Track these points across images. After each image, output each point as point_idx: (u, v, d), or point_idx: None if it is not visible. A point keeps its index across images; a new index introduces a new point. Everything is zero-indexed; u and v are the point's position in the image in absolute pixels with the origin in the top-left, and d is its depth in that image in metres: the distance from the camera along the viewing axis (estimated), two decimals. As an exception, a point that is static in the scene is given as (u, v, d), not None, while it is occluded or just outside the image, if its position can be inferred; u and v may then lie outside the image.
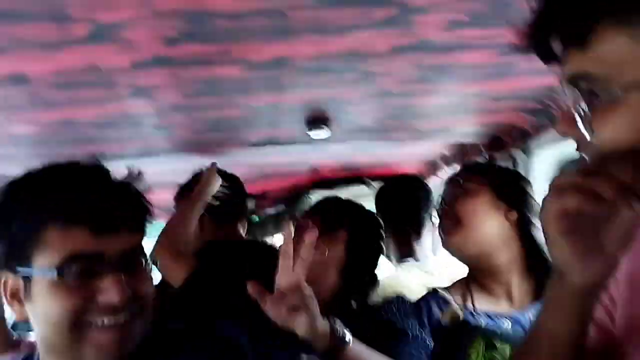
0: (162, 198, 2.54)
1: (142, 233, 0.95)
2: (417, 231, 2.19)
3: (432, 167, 2.54)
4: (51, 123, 1.45)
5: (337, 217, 1.56)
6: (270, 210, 3.07)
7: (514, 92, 1.57)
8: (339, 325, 1.20)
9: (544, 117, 1.67)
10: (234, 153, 2.00)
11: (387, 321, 1.46)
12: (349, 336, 1.20)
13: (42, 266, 0.89)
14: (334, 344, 1.17)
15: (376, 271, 1.59)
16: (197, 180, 1.77)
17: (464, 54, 1.27)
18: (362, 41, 1.16)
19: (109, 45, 1.06)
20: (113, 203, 0.91)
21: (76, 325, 0.88)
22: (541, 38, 0.72)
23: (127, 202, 0.93)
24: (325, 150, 2.26)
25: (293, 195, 2.80)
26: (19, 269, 0.90)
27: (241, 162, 2.28)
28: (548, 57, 0.72)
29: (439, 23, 1.12)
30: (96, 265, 0.88)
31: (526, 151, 1.84)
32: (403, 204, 2.21)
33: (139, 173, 0.98)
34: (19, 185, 0.92)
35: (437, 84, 1.47)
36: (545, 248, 1.48)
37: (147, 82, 1.26)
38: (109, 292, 0.88)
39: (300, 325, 1.12)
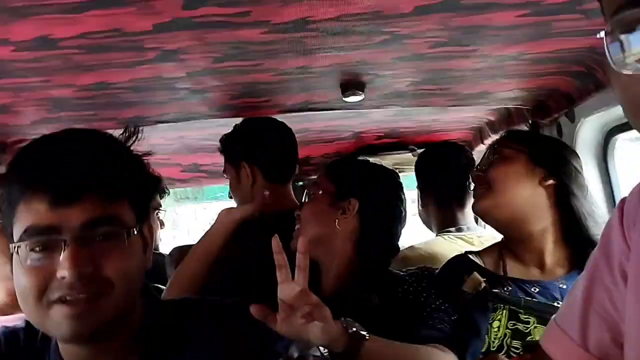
0: (206, 161, 2.60)
1: (118, 201, 0.88)
2: (459, 200, 2.15)
3: (479, 133, 2.48)
4: (87, 87, 1.48)
5: (349, 183, 1.54)
6: (314, 177, 3.07)
7: (555, 55, 1.50)
8: (352, 324, 1.19)
9: (589, 81, 1.59)
10: (273, 117, 2.00)
11: (408, 293, 1.45)
12: (364, 333, 1.19)
13: (13, 242, 0.87)
14: (351, 343, 1.16)
15: (396, 239, 1.57)
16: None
17: (495, 14, 1.21)
18: (383, 1, 1.14)
19: (130, 7, 1.08)
20: (75, 170, 0.85)
21: (38, 301, 0.85)
22: None
23: (97, 168, 0.86)
24: (366, 116, 2.24)
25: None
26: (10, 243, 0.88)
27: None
28: None
29: (463, -20, 1.08)
30: (53, 238, 0.84)
31: (571, 117, 1.77)
32: (444, 172, 2.18)
33: (136, 135, 0.96)
34: (12, 161, 0.90)
35: (471, 47, 1.42)
36: (583, 217, 1.44)
37: (173, 45, 1.27)
38: (62, 268, 0.83)
39: (314, 335, 1.11)
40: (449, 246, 2.01)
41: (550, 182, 1.47)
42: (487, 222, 1.56)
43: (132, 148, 0.96)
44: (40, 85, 1.44)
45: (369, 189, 1.54)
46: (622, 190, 1.76)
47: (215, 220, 1.67)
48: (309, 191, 1.60)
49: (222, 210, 1.69)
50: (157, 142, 2.24)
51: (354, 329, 1.18)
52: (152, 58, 1.33)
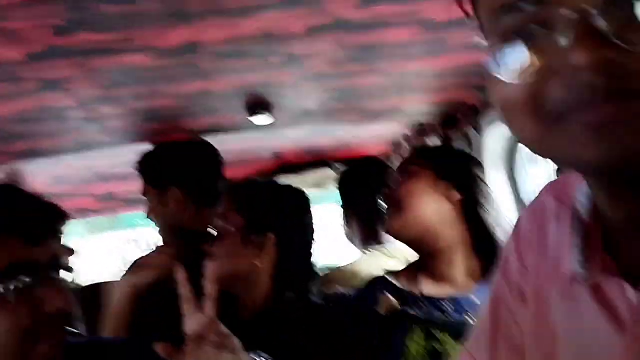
0: (120, 189, 2.51)
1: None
2: (382, 216, 2.14)
3: (396, 147, 2.49)
4: None
5: (261, 215, 1.48)
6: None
7: (455, 69, 1.51)
8: (264, 357, 1.15)
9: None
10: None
11: (326, 321, 1.42)
12: None
13: None
14: None
15: (312, 262, 1.53)
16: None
17: (386, 32, 1.20)
18: (273, 22, 1.10)
19: (-1, 38, 1.01)
20: (40, 213, 0.92)
21: (25, 340, 0.85)
22: None
23: (48, 211, 0.93)
24: (283, 135, 2.20)
25: (258, 182, 2.75)
26: None
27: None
28: None
29: (350, 0, 1.06)
30: (33, 274, 0.87)
31: (478, 128, 1.79)
32: (365, 189, 2.16)
33: (18, 176, 0.96)
34: None
35: (370, 64, 1.41)
36: (491, 228, 1.45)
37: (53, 75, 1.20)
38: (52, 301, 0.87)
39: None
40: (373, 263, 1.99)
41: (457, 196, 1.47)
42: (400, 241, 1.54)
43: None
44: None
45: (283, 219, 1.48)
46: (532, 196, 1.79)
47: (116, 291, 1.54)
48: (217, 225, 1.53)
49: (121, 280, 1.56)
50: (63, 172, 2.14)
51: None
52: (33, 89, 1.25)
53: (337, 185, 2.31)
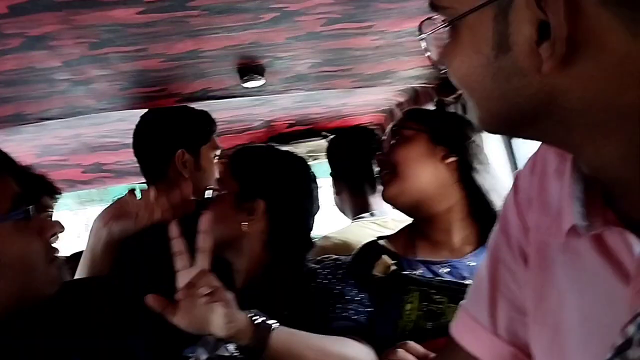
0: (109, 160, 2.46)
1: None
2: (372, 185, 2.12)
3: (390, 116, 2.45)
4: None
5: (254, 181, 1.45)
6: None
7: None
8: (259, 315, 1.13)
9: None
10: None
11: (322, 286, 1.40)
12: (272, 322, 1.13)
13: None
14: (258, 334, 1.09)
15: (309, 233, 1.50)
16: None
17: None
18: (265, -25, 1.07)
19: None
20: None
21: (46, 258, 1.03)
22: None
23: None
24: (274, 104, 2.17)
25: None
26: None
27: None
28: None
29: (345, -51, 1.02)
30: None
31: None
32: (355, 158, 2.14)
33: None
34: None
35: (366, 22, 1.37)
36: (486, 192, 1.42)
37: (38, 30, 1.15)
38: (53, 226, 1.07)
39: (217, 325, 1.04)
40: (363, 232, 1.97)
41: (452, 159, 1.45)
42: (396, 208, 1.52)
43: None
44: None
45: (276, 186, 1.45)
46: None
47: (90, 235, 1.47)
48: (213, 190, 1.51)
49: (95, 221, 1.47)
50: (51, 142, 2.09)
51: (261, 319, 1.12)
52: (18, 46, 1.20)
53: (327, 155, 2.29)
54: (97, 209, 1.95)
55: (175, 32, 1.29)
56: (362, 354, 1.22)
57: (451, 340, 0.91)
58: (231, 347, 1.29)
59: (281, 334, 1.13)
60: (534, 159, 0.81)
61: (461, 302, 0.92)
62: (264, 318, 1.14)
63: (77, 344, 1.02)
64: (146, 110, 1.80)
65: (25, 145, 2.04)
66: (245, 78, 1.65)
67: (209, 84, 1.72)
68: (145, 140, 1.79)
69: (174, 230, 1.04)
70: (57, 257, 1.06)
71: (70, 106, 1.66)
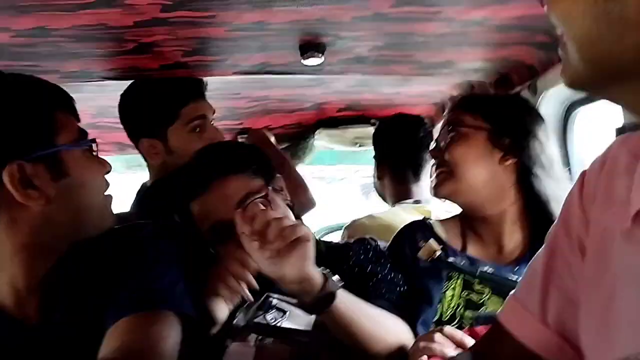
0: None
1: None
2: (415, 173, 2.12)
3: (441, 109, 2.44)
4: (25, 32, 1.38)
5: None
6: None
7: (520, 22, 1.45)
8: (330, 274, 1.13)
9: (553, 52, 1.55)
10: (228, 81, 1.92)
11: (355, 263, 1.40)
12: (340, 282, 1.14)
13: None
14: (325, 291, 1.10)
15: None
16: None
17: None
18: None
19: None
20: None
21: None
22: None
23: None
24: (327, 86, 2.17)
25: (298, 133, 2.73)
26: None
27: (240, 93, 2.20)
28: None
29: None
30: None
31: (534, 90, 1.73)
32: (400, 145, 2.14)
33: None
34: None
35: (435, 7, 1.37)
36: (544, 199, 1.37)
37: None
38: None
39: (291, 268, 1.06)
40: (407, 217, 1.97)
41: (511, 162, 1.41)
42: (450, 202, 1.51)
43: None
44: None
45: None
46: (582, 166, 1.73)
47: None
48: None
49: None
50: (108, 103, 2.13)
51: (332, 280, 1.14)
52: (94, 1, 1.23)
53: (373, 139, 2.29)
54: (144, 174, 1.99)
55: (246, 1, 1.30)
56: (405, 331, 1.23)
57: (497, 326, 0.91)
58: (269, 316, 1.31)
59: (345, 295, 1.13)
60: (604, 156, 0.81)
61: (510, 292, 0.92)
62: (335, 279, 1.14)
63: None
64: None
65: (83, 104, 2.08)
66: (306, 55, 1.65)
67: (268, 58, 1.73)
68: (136, 111, 1.81)
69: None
70: (109, 194, 1.11)
71: (134, 68, 1.69)
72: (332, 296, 1.10)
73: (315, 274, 1.10)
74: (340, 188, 7.69)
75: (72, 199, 1.01)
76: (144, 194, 1.85)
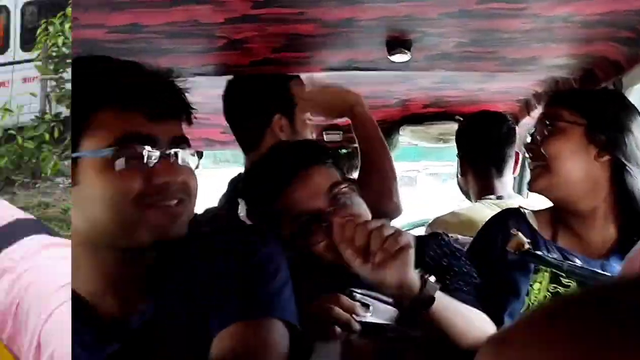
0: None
1: (186, 124, 1.02)
2: (498, 169, 2.13)
3: (525, 106, 2.44)
4: (119, 28, 1.47)
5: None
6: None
7: (605, 18, 1.46)
8: (430, 278, 1.13)
9: (638, 47, 1.54)
10: (316, 77, 1.99)
11: (431, 258, 1.42)
12: (437, 291, 1.13)
13: (93, 148, 0.93)
14: (422, 297, 1.11)
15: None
16: None
17: None
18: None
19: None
20: (164, 92, 0.98)
21: (135, 204, 0.92)
22: None
23: (175, 94, 1.00)
24: (412, 83, 2.22)
25: (383, 129, 2.77)
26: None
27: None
28: None
29: None
30: (150, 147, 0.94)
31: (619, 86, 1.72)
32: (484, 141, 2.15)
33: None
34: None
35: (520, 4, 1.40)
36: (637, 196, 1.37)
37: None
38: (164, 173, 0.94)
39: (391, 274, 1.07)
40: (490, 213, 1.99)
41: (606, 158, 1.41)
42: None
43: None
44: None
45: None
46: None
47: None
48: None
49: None
50: (195, 99, 2.24)
51: (431, 284, 1.12)
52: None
53: (456, 136, 2.32)
54: (232, 170, 2.08)
55: (332, -1, 1.38)
56: (490, 325, 1.24)
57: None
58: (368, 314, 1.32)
59: (441, 296, 1.13)
60: None
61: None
62: (433, 282, 1.13)
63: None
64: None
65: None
66: (393, 52, 1.71)
67: (355, 54, 1.79)
68: (239, 108, 1.85)
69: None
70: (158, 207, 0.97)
71: (223, 64, 1.79)
72: (431, 300, 1.11)
73: (415, 278, 1.10)
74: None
75: (86, 208, 0.96)
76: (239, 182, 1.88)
